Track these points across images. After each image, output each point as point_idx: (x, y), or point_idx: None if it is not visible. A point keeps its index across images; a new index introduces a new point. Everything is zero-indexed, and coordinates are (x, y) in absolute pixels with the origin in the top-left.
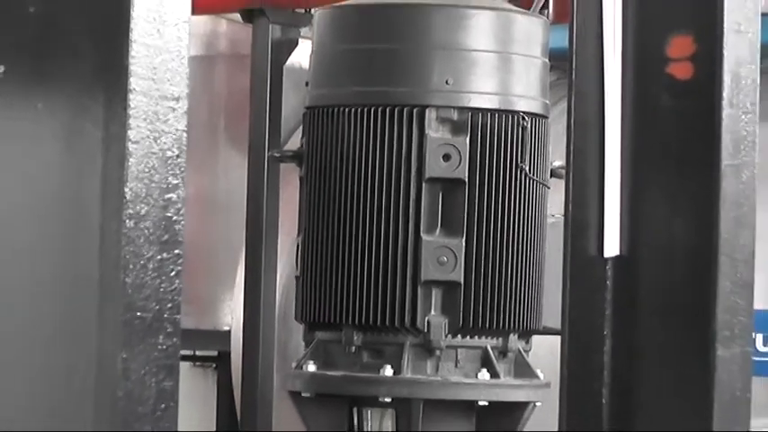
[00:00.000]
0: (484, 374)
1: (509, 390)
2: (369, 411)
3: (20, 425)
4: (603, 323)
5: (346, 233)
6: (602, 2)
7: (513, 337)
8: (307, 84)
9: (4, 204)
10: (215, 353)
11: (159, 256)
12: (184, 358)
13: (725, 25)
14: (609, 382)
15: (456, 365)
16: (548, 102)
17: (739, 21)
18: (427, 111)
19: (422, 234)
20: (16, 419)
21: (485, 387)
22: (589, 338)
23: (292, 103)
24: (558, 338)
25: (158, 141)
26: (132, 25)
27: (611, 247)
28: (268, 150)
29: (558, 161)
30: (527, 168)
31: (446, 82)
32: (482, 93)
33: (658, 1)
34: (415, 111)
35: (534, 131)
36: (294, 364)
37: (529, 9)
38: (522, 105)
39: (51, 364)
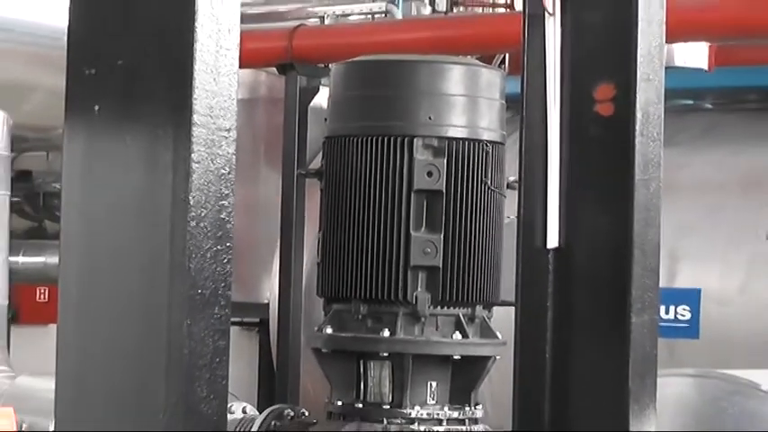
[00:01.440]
0: (457, 335)
1: (476, 347)
2: (371, 363)
3: (113, 370)
4: (547, 298)
5: (355, 230)
6: (546, 58)
7: (479, 308)
8: (325, 119)
9: (102, 210)
10: (257, 320)
11: (215, 248)
12: (234, 324)
13: (637, 76)
14: (551, 341)
15: (436, 329)
16: (504, 133)
17: (648, 72)
18: (415, 140)
19: (411, 231)
20: (110, 366)
21: (458, 345)
22: (536, 309)
23: (315, 134)
24: (512, 309)
25: (214, 162)
26: (195, 75)
27: (552, 241)
28: (297, 169)
29: (513, 177)
30: (489, 182)
31: (429, 118)
32: (456, 126)
33: (587, 58)
34: (405, 139)
35: (494, 155)
36: (316, 328)
37: (491, 64)
38: (485, 136)
39: (136, 327)
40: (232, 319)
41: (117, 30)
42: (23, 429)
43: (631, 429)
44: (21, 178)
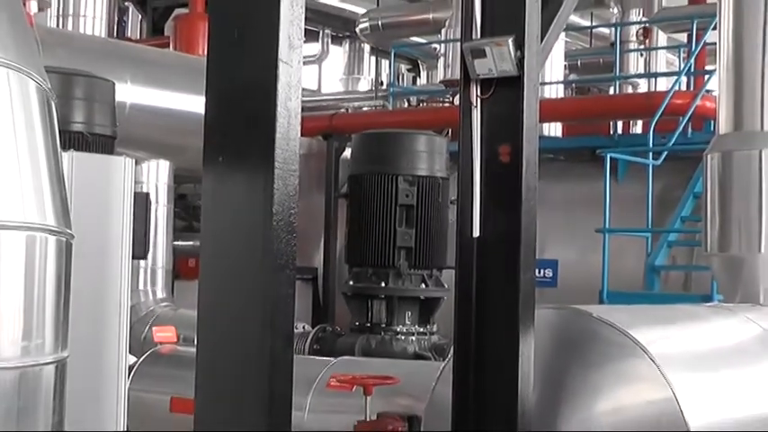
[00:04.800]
0: (422, 286)
1: (433, 291)
2: (375, 301)
3: (230, 306)
4: (473, 265)
5: (366, 227)
6: (472, 131)
7: (434, 270)
8: (349, 165)
9: (224, 217)
10: (311, 276)
11: (287, 237)
12: (297, 279)
13: (524, 141)
14: (475, 289)
15: (411, 282)
16: (448, 171)
17: (529, 138)
18: (399, 176)
19: (397, 227)
20: (229, 303)
21: (423, 291)
22: (467, 271)
23: (343, 174)
24: (453, 270)
25: (286, 189)
26: (276, 140)
27: (476, 233)
28: (333, 192)
29: (453, 197)
30: (440, 200)
31: (407, 164)
32: (422, 168)
33: (496, 130)
34: (394, 176)
35: (443, 185)
36: (344, 281)
37: (441, 134)
38: (438, 174)
39: (243, 282)
40: (296, 276)
41: (231, 115)
42: (181, 338)
43: (520, 335)
44: (180, 198)
